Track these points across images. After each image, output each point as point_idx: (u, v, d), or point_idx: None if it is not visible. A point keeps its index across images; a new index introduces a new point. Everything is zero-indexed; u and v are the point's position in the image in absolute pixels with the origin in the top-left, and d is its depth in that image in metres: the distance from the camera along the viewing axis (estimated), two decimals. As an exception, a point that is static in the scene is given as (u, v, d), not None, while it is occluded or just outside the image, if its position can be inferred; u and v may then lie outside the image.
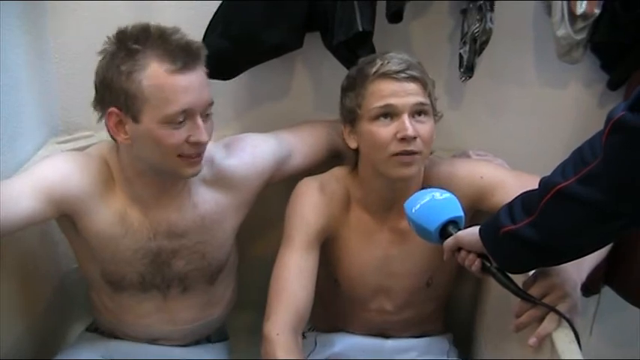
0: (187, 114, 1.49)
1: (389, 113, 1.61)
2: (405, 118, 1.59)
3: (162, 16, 1.88)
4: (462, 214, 1.48)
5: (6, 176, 1.76)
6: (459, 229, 1.46)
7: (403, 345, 1.89)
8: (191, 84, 1.49)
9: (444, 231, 1.47)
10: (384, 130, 1.61)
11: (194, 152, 1.53)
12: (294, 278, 1.65)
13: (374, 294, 1.82)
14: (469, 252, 1.44)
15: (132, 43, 1.48)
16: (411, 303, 1.84)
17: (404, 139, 1.59)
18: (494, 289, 1.82)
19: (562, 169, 1.25)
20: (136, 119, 1.50)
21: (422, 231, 1.51)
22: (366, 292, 1.82)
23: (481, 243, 1.39)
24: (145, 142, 1.52)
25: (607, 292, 2.08)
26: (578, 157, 1.23)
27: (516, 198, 1.35)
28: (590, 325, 2.21)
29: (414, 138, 1.59)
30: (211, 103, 1.54)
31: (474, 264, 1.43)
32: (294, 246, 1.69)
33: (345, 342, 1.89)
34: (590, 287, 1.96)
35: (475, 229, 1.41)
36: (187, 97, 1.48)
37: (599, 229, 1.24)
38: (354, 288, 1.82)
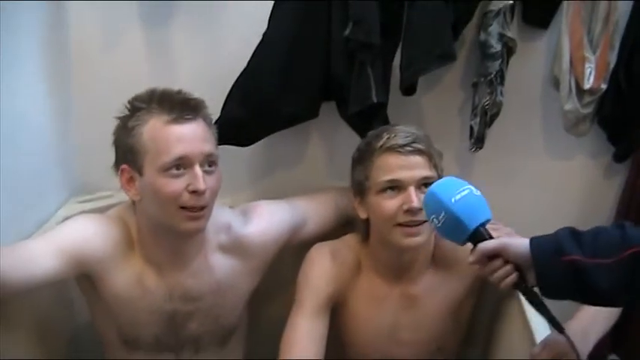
0: (184, 163, 1.54)
1: (395, 186, 1.64)
2: (412, 190, 1.62)
3: (185, 79, 1.95)
4: (491, 217, 1.36)
5: (27, 234, 1.80)
6: (491, 235, 1.34)
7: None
8: (186, 134, 1.55)
9: (476, 232, 1.33)
10: (390, 202, 1.63)
11: (195, 203, 1.56)
12: (303, 342, 1.66)
13: (382, 360, 1.82)
14: (506, 262, 1.31)
15: (138, 103, 1.57)
16: (419, 370, 1.83)
17: (409, 211, 1.61)
18: (503, 355, 1.83)
19: None
20: (141, 172, 1.57)
21: (455, 225, 1.33)
22: (375, 358, 1.82)
23: (528, 258, 1.27)
24: (148, 194, 1.58)
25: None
26: None
27: (588, 231, 1.27)
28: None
29: (421, 209, 1.59)
30: (211, 154, 1.58)
31: (509, 277, 1.30)
32: (304, 311, 1.70)
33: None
34: (596, 355, 1.96)
35: (524, 242, 1.29)
36: (181, 145, 1.54)
37: None
38: (362, 354, 1.83)
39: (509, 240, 1.32)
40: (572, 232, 1.27)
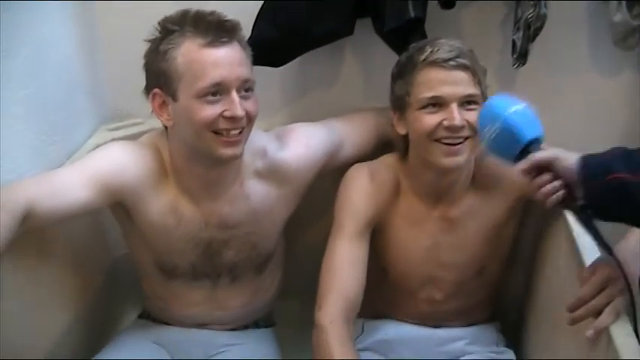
0: (221, 88, 1.50)
1: (437, 102, 1.60)
2: (454, 107, 1.58)
3: (211, 3, 1.90)
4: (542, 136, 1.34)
5: (59, 163, 1.81)
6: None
7: (452, 334, 1.87)
8: (222, 58, 1.50)
9: (529, 147, 1.32)
10: (431, 117, 1.60)
11: (230, 127, 1.53)
12: (345, 267, 1.65)
13: (422, 283, 1.81)
14: (554, 178, 1.29)
15: (171, 25, 1.52)
16: (461, 292, 1.82)
17: (450, 128, 1.58)
18: (548, 278, 1.81)
19: None
20: (174, 97, 1.53)
21: (509, 137, 1.32)
22: (415, 281, 1.81)
23: (574, 175, 1.25)
24: (182, 120, 1.54)
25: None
26: None
27: (638, 149, 1.24)
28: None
29: (462, 127, 1.57)
30: (247, 80, 1.54)
31: (557, 193, 1.28)
32: (344, 234, 1.68)
33: (393, 329, 1.88)
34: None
35: (573, 156, 1.27)
36: (218, 70, 1.49)
37: None
38: (402, 277, 1.82)
39: (562, 153, 1.29)
40: (625, 151, 1.24)
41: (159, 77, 1.53)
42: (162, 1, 1.91)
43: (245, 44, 1.58)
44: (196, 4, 1.88)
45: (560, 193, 1.29)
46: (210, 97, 1.50)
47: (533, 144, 1.31)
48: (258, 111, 1.57)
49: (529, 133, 1.31)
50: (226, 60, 1.50)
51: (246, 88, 1.54)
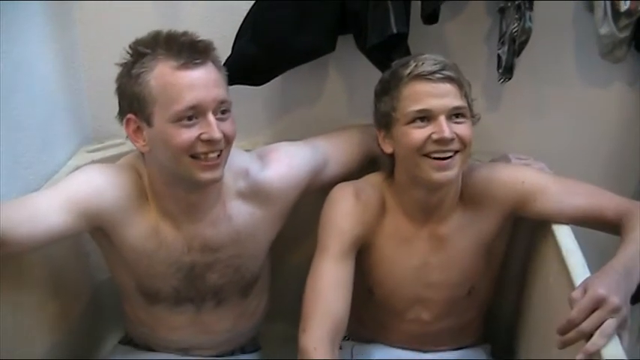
0: (197, 111, 1.46)
1: (425, 116, 1.57)
2: (442, 119, 1.55)
3: (191, 20, 1.91)
4: None
5: (37, 186, 1.78)
6: None
7: (442, 358, 1.85)
8: (197, 80, 1.47)
9: None
10: (420, 131, 1.57)
11: (208, 150, 1.49)
12: (329, 288, 1.62)
13: (411, 304, 1.78)
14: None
15: (142, 48, 1.48)
16: (450, 313, 1.79)
17: (440, 141, 1.55)
18: (538, 298, 1.79)
19: None
20: (149, 122, 1.49)
21: None
22: (403, 302, 1.78)
23: None
24: (159, 145, 1.51)
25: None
26: None
27: None
28: (637, 334, 2.14)
29: (451, 140, 1.55)
30: (224, 101, 1.51)
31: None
32: (328, 255, 1.65)
33: (382, 354, 1.85)
34: (637, 295, 1.89)
35: None
36: (193, 92, 1.46)
37: None
38: (389, 298, 1.79)
39: None
40: None
41: (132, 102, 1.49)
42: (143, 19, 1.93)
43: (219, 63, 1.55)
44: (178, 21, 1.89)
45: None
46: (186, 122, 1.46)
47: None
48: (235, 132, 1.54)
49: None
50: (201, 82, 1.47)
51: (222, 109, 1.50)
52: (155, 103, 1.46)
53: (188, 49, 1.46)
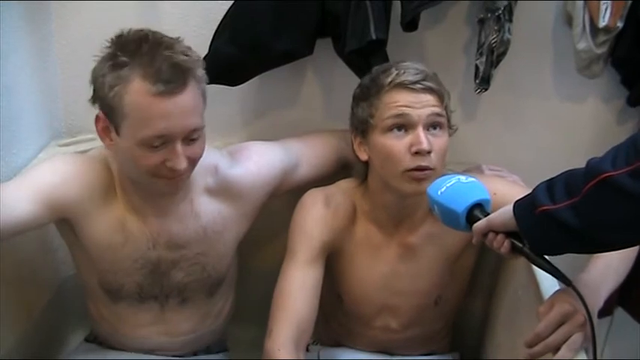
0: (165, 139, 1.42)
1: (403, 125, 1.56)
2: (420, 130, 1.55)
3: (169, 19, 1.90)
4: (488, 197, 1.39)
5: (6, 178, 1.73)
6: (487, 214, 1.36)
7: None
8: (172, 109, 1.40)
9: (471, 215, 1.37)
10: (398, 143, 1.56)
11: (170, 176, 1.47)
12: (296, 293, 1.61)
13: (379, 311, 1.78)
14: (497, 233, 1.33)
15: (121, 54, 1.41)
16: (417, 321, 1.79)
17: (418, 153, 1.54)
18: (506, 309, 1.79)
19: (613, 157, 1.17)
20: (117, 131, 1.45)
21: (448, 214, 1.40)
22: (371, 309, 1.78)
23: (514, 221, 1.29)
24: (124, 156, 1.49)
25: (620, 313, 2.02)
26: (633, 148, 1.14)
27: (559, 176, 1.26)
28: (602, 348, 2.15)
29: (429, 152, 1.54)
30: (196, 129, 1.45)
31: (503, 245, 1.32)
32: (297, 260, 1.65)
33: (349, 357, 1.85)
34: (604, 309, 1.90)
35: (508, 208, 1.30)
36: (165, 122, 1.40)
37: None
38: (358, 305, 1.78)
39: (494, 214, 1.34)
40: (547, 184, 1.26)
41: (104, 105, 1.45)
42: (119, 12, 1.92)
43: (201, 78, 1.47)
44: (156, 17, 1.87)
45: (506, 244, 1.32)
46: (153, 147, 1.43)
47: (473, 210, 1.37)
48: (203, 151, 1.51)
49: (461, 204, 1.37)
50: (175, 111, 1.41)
51: (193, 137, 1.46)
52: (125, 118, 1.42)
53: (168, 73, 1.39)
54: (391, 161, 1.57)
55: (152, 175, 1.47)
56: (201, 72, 1.46)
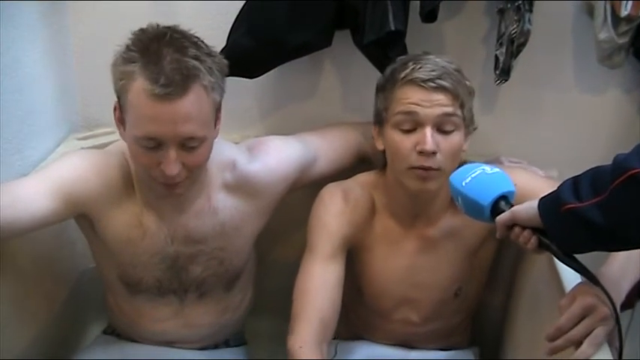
0: (157, 142, 1.41)
1: (411, 122, 1.55)
2: (428, 130, 1.54)
3: (184, 13, 1.88)
4: (513, 188, 1.37)
5: (25, 173, 1.75)
6: (511, 205, 1.35)
7: (427, 357, 1.83)
8: (163, 115, 1.38)
9: (496, 207, 1.35)
10: (405, 139, 1.56)
11: (164, 181, 1.46)
12: (318, 290, 1.61)
13: (399, 305, 1.77)
14: (524, 228, 1.32)
15: (133, 49, 1.40)
16: (437, 314, 1.79)
17: (422, 153, 1.54)
18: (527, 303, 1.78)
19: None
20: (123, 123, 1.47)
21: (473, 206, 1.38)
22: (391, 302, 1.77)
23: (539, 218, 1.28)
24: (129, 148, 1.49)
25: (640, 306, 2.00)
26: None
27: (585, 173, 1.24)
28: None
29: (434, 153, 1.53)
30: (192, 138, 1.42)
31: (530, 242, 1.31)
32: (317, 256, 1.64)
33: (366, 351, 1.84)
34: (625, 302, 1.89)
35: (533, 203, 1.29)
36: (154, 126, 1.39)
37: None
38: (377, 298, 1.78)
39: (519, 207, 1.33)
40: (573, 181, 1.25)
41: (116, 94, 1.45)
42: (135, 6, 1.91)
43: (211, 90, 1.43)
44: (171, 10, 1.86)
45: (532, 240, 1.31)
46: (147, 147, 1.42)
47: (498, 203, 1.36)
48: (203, 161, 1.49)
49: (487, 197, 1.35)
50: (167, 117, 1.38)
51: (191, 145, 1.43)
52: (126, 112, 1.43)
53: (169, 77, 1.36)
54: (398, 157, 1.58)
55: (149, 174, 1.47)
56: (212, 80, 1.43)
